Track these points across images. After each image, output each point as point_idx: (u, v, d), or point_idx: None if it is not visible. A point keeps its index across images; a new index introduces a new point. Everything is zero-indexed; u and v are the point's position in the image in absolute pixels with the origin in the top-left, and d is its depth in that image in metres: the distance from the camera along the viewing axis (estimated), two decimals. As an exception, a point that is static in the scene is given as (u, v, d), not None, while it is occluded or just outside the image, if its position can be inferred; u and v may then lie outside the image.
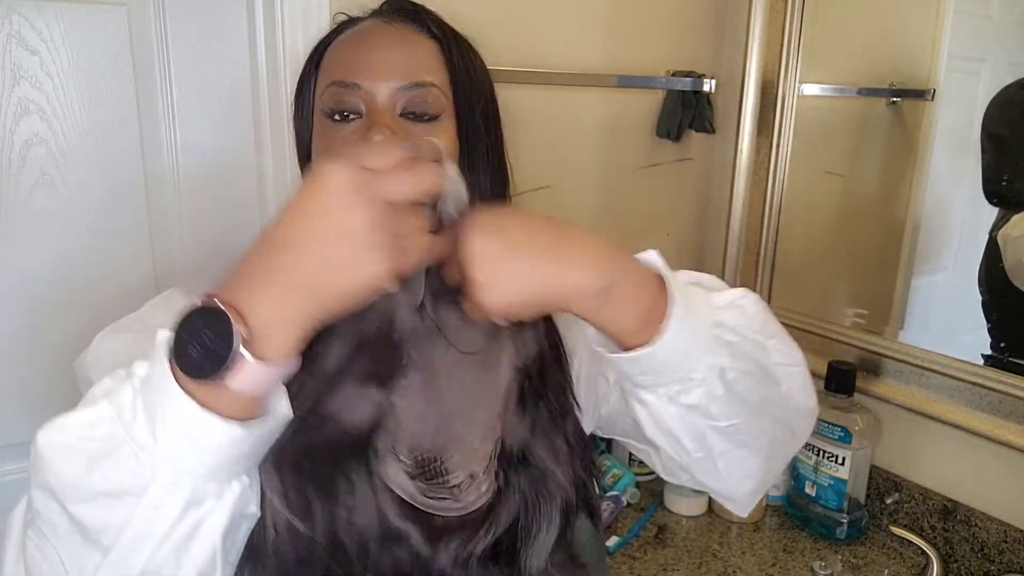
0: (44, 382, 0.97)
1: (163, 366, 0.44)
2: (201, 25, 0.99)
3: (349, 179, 0.43)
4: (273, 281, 0.44)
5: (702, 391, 0.54)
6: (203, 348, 0.43)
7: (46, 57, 0.91)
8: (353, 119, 0.61)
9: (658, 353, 0.52)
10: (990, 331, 1.09)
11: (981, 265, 1.10)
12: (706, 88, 1.29)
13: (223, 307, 0.43)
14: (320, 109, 0.63)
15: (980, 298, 1.10)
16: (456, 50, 0.65)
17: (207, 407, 0.43)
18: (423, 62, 0.63)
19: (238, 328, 0.43)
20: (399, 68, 0.61)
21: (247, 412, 0.45)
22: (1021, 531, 1.00)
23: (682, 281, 0.56)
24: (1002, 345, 1.07)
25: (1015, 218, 1.06)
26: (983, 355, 1.08)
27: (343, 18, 0.68)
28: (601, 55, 1.26)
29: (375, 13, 0.67)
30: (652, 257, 0.55)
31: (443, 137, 0.62)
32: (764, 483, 0.63)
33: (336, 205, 0.43)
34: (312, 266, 0.44)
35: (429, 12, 0.67)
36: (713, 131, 1.33)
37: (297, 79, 0.67)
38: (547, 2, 1.19)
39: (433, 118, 0.62)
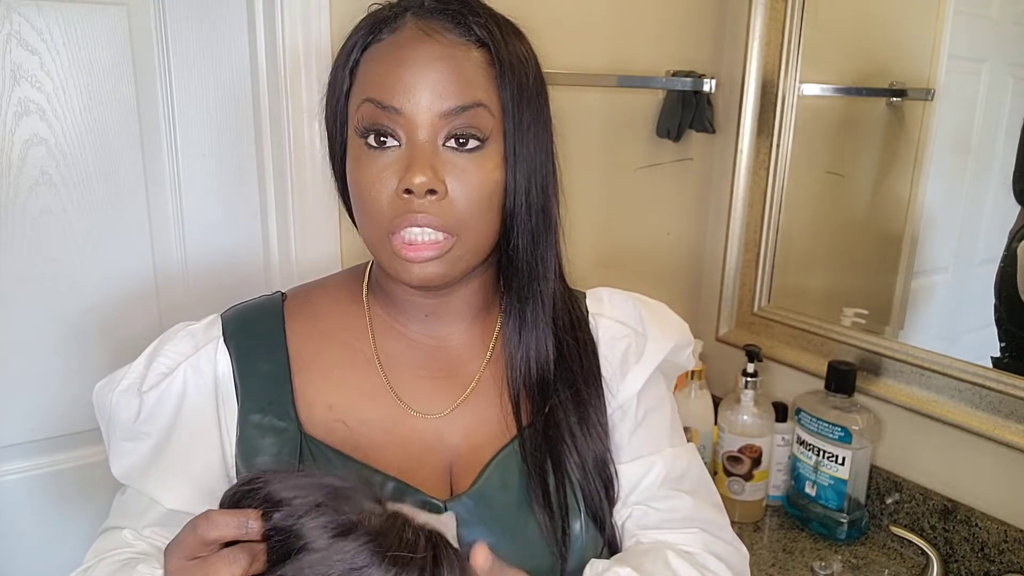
0: (43, 382, 0.97)
1: None
2: (201, 25, 0.99)
3: None
4: None
5: None
6: None
7: (46, 57, 0.91)
8: (391, 146, 0.58)
9: None
10: (999, 335, 1.08)
11: (996, 276, 1.08)
12: (706, 88, 1.29)
13: None
14: (355, 126, 0.60)
15: (992, 300, 1.09)
16: (506, 58, 0.60)
17: None
18: (468, 78, 0.58)
19: None
20: (441, 89, 0.57)
21: None
22: (1021, 531, 1.00)
23: None
24: (1002, 346, 1.07)
25: None
26: (992, 358, 1.07)
27: (376, 7, 0.63)
28: (601, 55, 1.26)
29: (413, 9, 0.61)
30: None
31: (487, 166, 0.60)
32: None
33: None
34: None
35: (473, 7, 0.61)
36: (713, 131, 1.33)
37: (317, 76, 0.64)
38: (547, 2, 1.19)
39: (478, 145, 0.59)
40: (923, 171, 1.21)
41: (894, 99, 1.24)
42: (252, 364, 0.66)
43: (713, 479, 1.23)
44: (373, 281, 0.71)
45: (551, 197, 0.66)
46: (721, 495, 1.20)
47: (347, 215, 0.68)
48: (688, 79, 1.28)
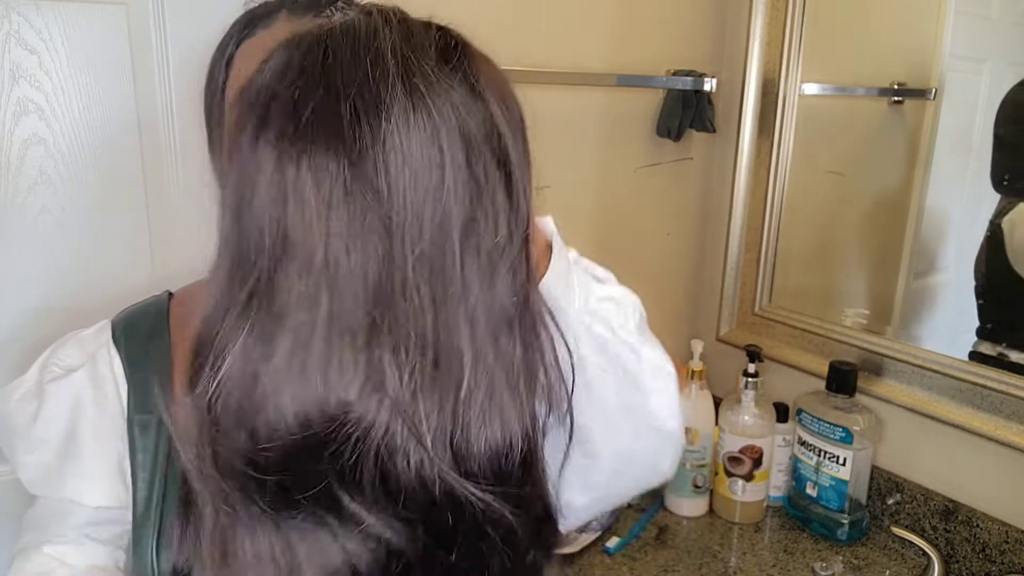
0: (43, 382, 0.97)
1: None
2: (200, 25, 0.99)
3: None
4: None
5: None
6: None
7: (45, 57, 0.90)
8: None
9: None
10: (980, 318, 1.12)
11: (979, 253, 1.11)
12: (707, 87, 1.29)
13: None
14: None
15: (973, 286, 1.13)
16: None
17: None
18: None
19: None
20: None
21: None
22: (1022, 531, 0.99)
23: (571, 257, 0.54)
24: (988, 327, 1.10)
25: (1021, 205, 1.07)
26: (969, 352, 1.10)
27: (252, 5, 0.64)
28: (601, 55, 1.25)
29: (287, 5, 0.62)
30: (547, 223, 0.53)
31: None
32: (601, 503, 0.59)
33: None
34: None
35: (344, 5, 0.61)
36: (714, 131, 1.33)
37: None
38: (547, 2, 1.18)
39: None
40: (924, 171, 1.20)
41: (896, 99, 1.24)
42: (139, 365, 0.66)
43: (714, 480, 1.23)
44: None
45: None
46: (722, 496, 1.21)
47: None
48: (688, 78, 1.28)
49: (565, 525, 0.58)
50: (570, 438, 0.52)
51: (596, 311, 0.53)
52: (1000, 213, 1.08)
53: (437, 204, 0.40)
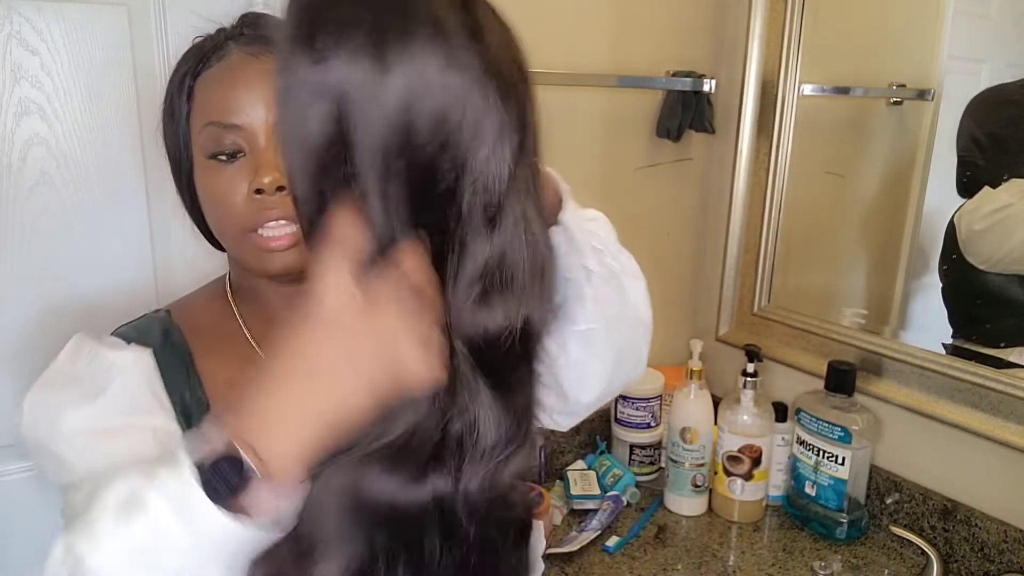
0: (44, 382, 0.97)
1: (194, 493, 0.44)
2: (201, 25, 0.99)
3: (348, 287, 0.44)
4: (286, 419, 0.45)
5: (571, 292, 0.59)
6: (223, 484, 0.44)
7: (46, 57, 0.91)
8: (238, 157, 0.63)
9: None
10: (949, 317, 1.16)
11: (941, 253, 1.15)
12: (706, 88, 1.29)
13: (241, 452, 0.44)
14: (200, 146, 0.65)
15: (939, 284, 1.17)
16: None
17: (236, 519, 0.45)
18: None
19: (253, 467, 0.44)
20: (272, 101, 0.61)
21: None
22: (1021, 531, 1.00)
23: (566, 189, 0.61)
24: (955, 323, 1.14)
25: (968, 201, 1.12)
26: (943, 344, 1.14)
27: (199, 39, 0.68)
28: (601, 55, 1.26)
29: (234, 38, 0.66)
30: (551, 172, 0.58)
31: None
32: (602, 399, 0.69)
33: (344, 321, 0.44)
34: (326, 396, 0.45)
35: None
36: (713, 131, 1.33)
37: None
38: (547, 2, 1.19)
39: None
40: (923, 171, 1.21)
41: (894, 99, 1.24)
42: (167, 363, 0.67)
43: (713, 479, 1.23)
44: (235, 286, 0.74)
45: None
46: (721, 495, 1.21)
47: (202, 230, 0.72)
48: (688, 79, 1.28)
49: (572, 421, 0.71)
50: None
51: (592, 230, 0.62)
52: (955, 212, 1.13)
53: (448, 111, 0.46)
